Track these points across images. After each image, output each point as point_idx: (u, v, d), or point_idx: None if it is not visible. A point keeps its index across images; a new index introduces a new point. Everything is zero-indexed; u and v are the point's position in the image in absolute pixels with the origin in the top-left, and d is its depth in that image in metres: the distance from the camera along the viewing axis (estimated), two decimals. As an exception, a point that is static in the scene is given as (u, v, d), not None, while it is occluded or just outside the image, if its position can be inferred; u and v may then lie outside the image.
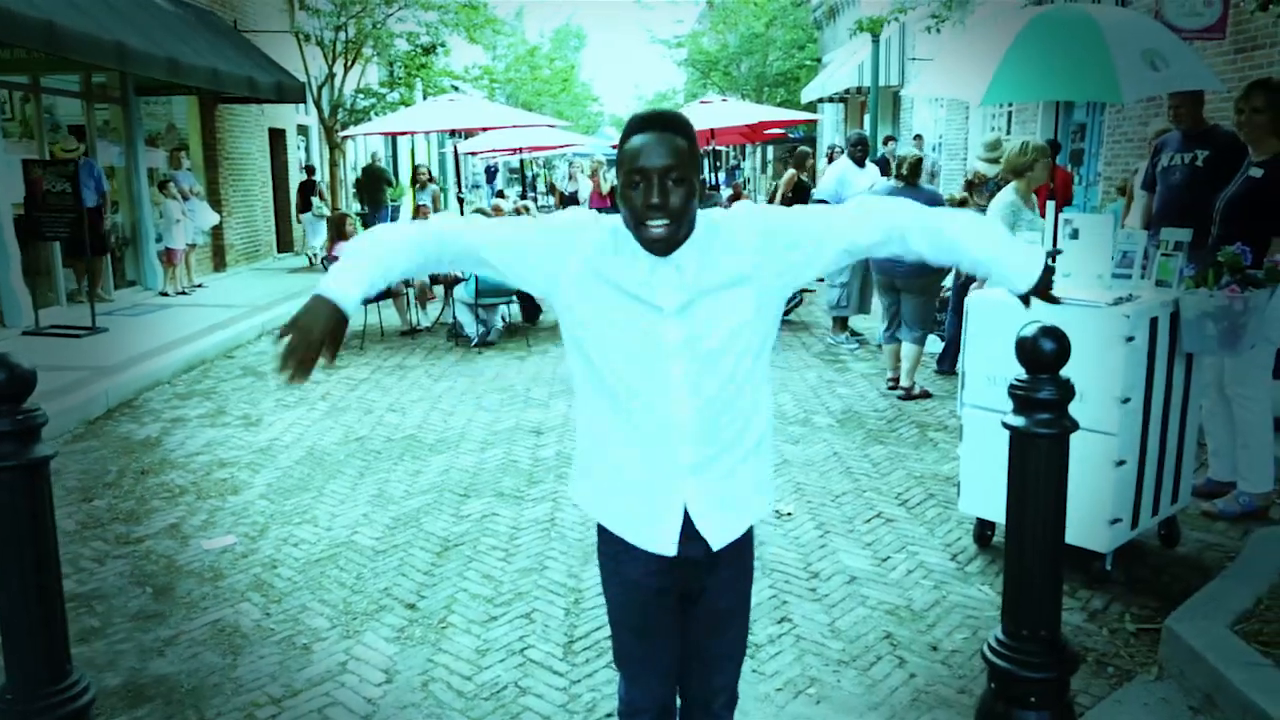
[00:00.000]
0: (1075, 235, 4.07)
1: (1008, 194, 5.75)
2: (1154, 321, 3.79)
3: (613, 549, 2.16)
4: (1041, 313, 3.75)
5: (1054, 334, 2.55)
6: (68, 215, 9.40)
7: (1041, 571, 2.61)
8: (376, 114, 16.44)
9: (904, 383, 6.85)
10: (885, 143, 13.57)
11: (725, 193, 15.80)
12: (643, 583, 2.13)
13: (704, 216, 2.01)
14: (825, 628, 3.67)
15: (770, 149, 32.60)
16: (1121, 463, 3.77)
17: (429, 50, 17.04)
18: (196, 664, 3.55)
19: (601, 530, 2.19)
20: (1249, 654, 3.08)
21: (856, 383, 7.40)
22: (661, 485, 2.05)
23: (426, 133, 20.34)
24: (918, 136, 16.63)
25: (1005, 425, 2.61)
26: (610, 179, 14.41)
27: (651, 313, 1.97)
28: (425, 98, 16.70)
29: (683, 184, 1.89)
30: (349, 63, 15.91)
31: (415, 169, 12.69)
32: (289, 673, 3.47)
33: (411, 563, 4.39)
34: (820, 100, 21.33)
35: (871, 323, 9.00)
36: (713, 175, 14.04)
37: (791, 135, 27.23)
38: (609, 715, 3.14)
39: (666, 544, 2.06)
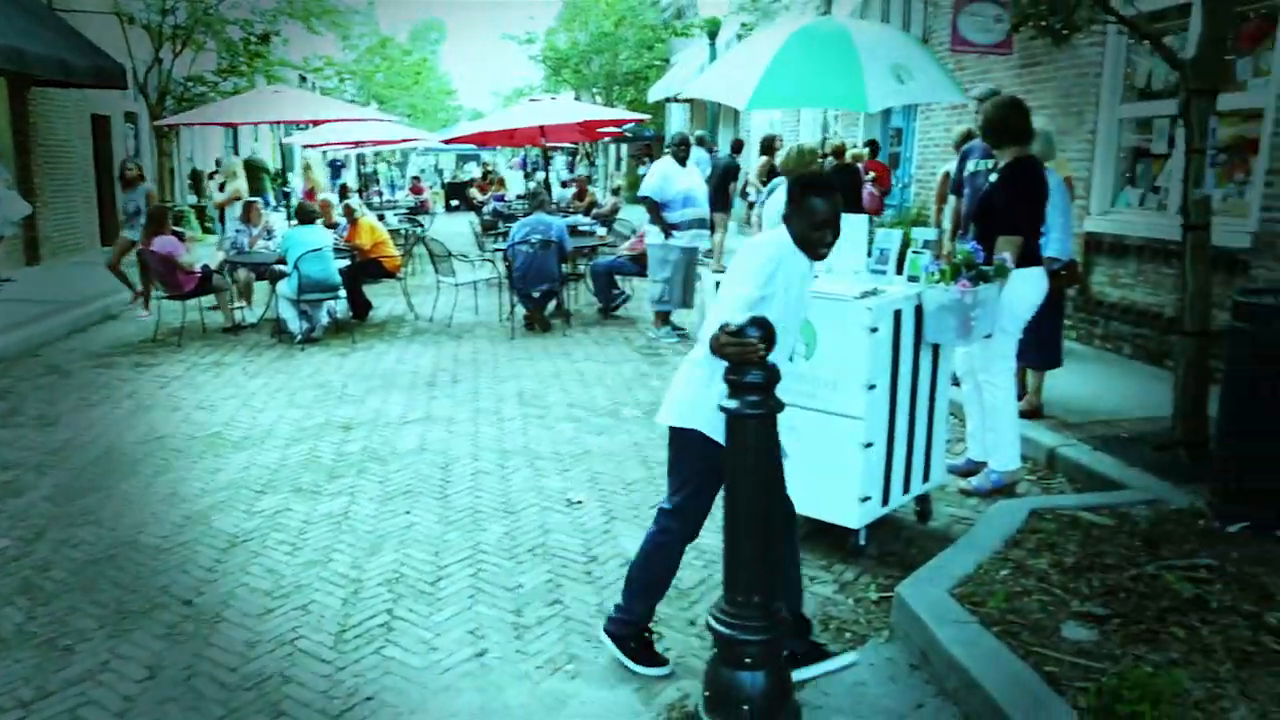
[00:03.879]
0: (833, 234, 4.36)
1: (782, 193, 6.06)
2: (898, 314, 4.11)
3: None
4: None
5: (760, 323, 2.78)
6: None
7: (754, 541, 2.84)
8: (210, 103, 15.87)
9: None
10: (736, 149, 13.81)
11: (569, 190, 15.95)
12: None
13: None
14: (594, 608, 3.84)
15: (624, 147, 33.02)
16: (870, 445, 4.08)
17: (264, 39, 16.55)
18: (-54, 670, 3.45)
19: None
20: (959, 614, 3.41)
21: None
22: None
23: (248, 124, 19.63)
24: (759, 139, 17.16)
25: (721, 408, 2.83)
26: (320, 179, 14.07)
27: None
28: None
29: None
30: (178, 48, 15.29)
31: (122, 165, 11.53)
32: (44, 675, 3.41)
33: (195, 560, 4.35)
34: (667, 100, 21.72)
35: (694, 318, 9.28)
36: (544, 173, 14.03)
37: (643, 135, 27.68)
38: (369, 698, 3.23)
39: None
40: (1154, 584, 3.66)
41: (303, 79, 24.90)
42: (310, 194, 12.53)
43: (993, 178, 4.71)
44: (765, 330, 2.77)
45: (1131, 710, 2.87)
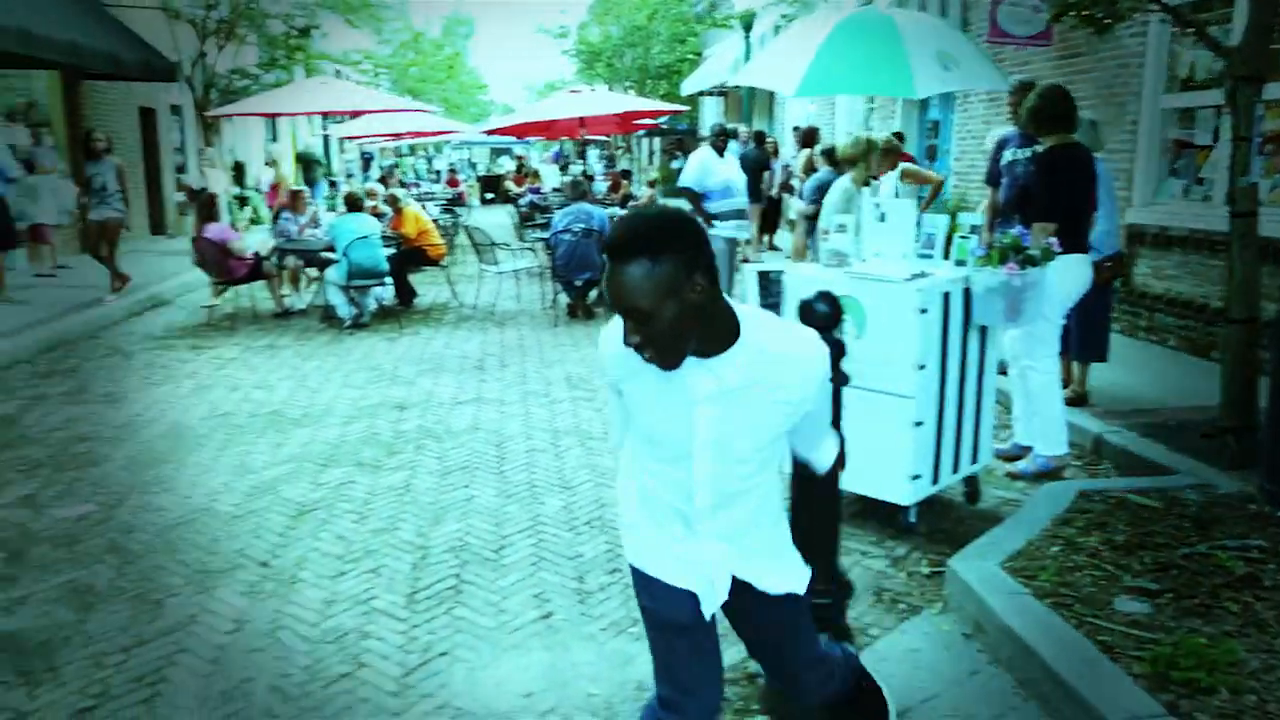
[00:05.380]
0: (884, 219, 4.48)
1: (844, 181, 6.19)
2: (946, 296, 4.22)
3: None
4: (849, 286, 4.15)
5: (828, 298, 2.92)
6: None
7: (823, 514, 2.98)
8: (252, 95, 16.18)
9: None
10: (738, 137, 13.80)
11: (604, 184, 16.10)
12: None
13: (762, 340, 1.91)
14: (653, 575, 3.99)
15: (657, 140, 33.11)
16: (920, 423, 4.20)
17: (304, 32, 16.82)
18: (47, 620, 3.66)
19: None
20: (1012, 586, 3.52)
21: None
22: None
23: (297, 114, 19.98)
24: (797, 129, 17.16)
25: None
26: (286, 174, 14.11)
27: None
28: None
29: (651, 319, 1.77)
30: (221, 42, 15.58)
31: (87, 134, 11.10)
32: (139, 625, 3.61)
33: (267, 526, 4.54)
34: (700, 94, 21.81)
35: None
36: (581, 163, 14.20)
37: (676, 129, 27.76)
38: (444, 654, 3.40)
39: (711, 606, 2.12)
40: (1205, 562, 3.73)
41: (338, 73, 25.23)
42: (275, 188, 12.72)
43: (1031, 165, 4.80)
44: (831, 307, 2.91)
45: (1187, 678, 2.94)
